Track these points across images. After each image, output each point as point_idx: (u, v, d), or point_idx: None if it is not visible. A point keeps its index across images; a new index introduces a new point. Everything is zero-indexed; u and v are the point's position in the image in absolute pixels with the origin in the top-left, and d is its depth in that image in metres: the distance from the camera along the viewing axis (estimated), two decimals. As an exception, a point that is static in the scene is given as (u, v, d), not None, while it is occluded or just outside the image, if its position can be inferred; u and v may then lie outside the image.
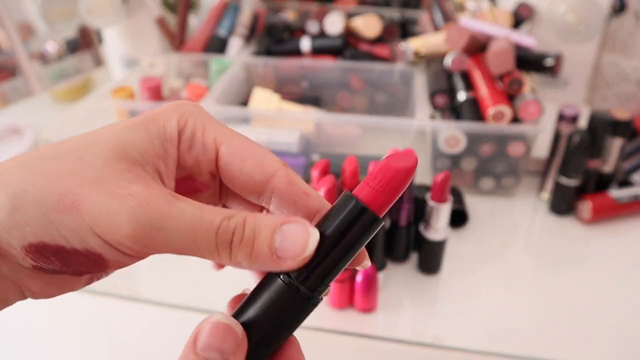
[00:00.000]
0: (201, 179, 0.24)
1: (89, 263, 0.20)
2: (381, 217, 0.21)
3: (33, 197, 0.19)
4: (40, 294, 0.21)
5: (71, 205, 0.19)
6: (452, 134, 0.65)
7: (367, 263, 0.24)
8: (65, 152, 0.20)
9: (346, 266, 0.22)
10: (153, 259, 0.29)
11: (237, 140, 0.23)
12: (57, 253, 0.19)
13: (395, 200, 0.21)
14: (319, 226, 0.21)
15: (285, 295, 0.21)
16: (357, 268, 0.24)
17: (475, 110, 0.67)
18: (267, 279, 0.22)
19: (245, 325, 0.21)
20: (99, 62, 0.96)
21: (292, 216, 0.22)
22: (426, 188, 0.57)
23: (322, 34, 0.90)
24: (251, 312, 0.21)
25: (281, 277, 0.21)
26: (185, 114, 0.23)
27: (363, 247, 0.23)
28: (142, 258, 0.21)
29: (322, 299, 0.22)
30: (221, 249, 0.20)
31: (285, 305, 0.21)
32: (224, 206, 0.26)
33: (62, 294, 0.22)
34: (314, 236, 0.20)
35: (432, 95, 0.71)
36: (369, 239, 0.22)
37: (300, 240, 0.20)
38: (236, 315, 0.22)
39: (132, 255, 0.20)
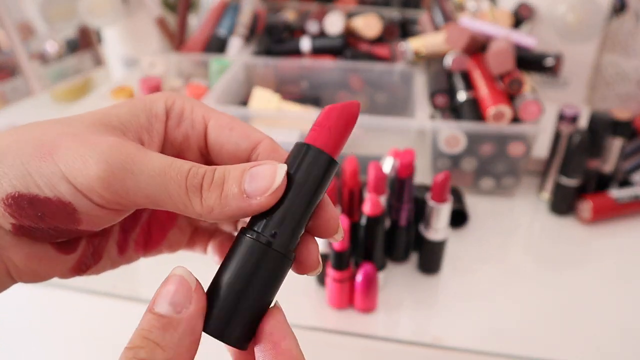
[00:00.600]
0: (190, 157, 0.25)
1: (61, 214, 0.20)
2: (335, 158, 0.22)
3: (15, 150, 0.20)
4: (25, 272, 0.22)
5: (47, 153, 0.20)
6: (452, 134, 0.65)
7: (338, 236, 0.23)
8: (49, 121, 0.22)
9: (310, 213, 0.22)
10: (153, 259, 0.29)
11: (225, 116, 0.25)
12: (31, 202, 0.20)
13: (345, 141, 0.22)
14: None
15: (255, 249, 0.21)
16: (330, 240, 0.24)
17: (475, 110, 0.67)
18: (236, 242, 0.21)
19: (218, 284, 0.21)
20: (98, 62, 0.96)
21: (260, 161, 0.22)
22: (426, 188, 0.57)
23: (322, 34, 0.90)
24: (224, 273, 0.21)
25: (248, 234, 0.21)
26: (172, 97, 0.25)
27: (333, 212, 0.23)
28: (115, 215, 0.21)
29: (294, 255, 0.22)
30: (192, 194, 0.20)
31: (256, 260, 0.21)
32: None
33: (48, 276, 0.23)
34: (282, 168, 0.21)
35: (432, 95, 0.71)
36: (328, 183, 0.22)
37: (268, 173, 0.21)
38: (212, 281, 0.21)
39: (103, 205, 0.20)
